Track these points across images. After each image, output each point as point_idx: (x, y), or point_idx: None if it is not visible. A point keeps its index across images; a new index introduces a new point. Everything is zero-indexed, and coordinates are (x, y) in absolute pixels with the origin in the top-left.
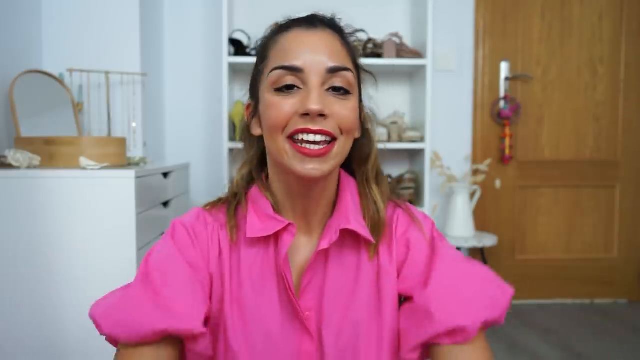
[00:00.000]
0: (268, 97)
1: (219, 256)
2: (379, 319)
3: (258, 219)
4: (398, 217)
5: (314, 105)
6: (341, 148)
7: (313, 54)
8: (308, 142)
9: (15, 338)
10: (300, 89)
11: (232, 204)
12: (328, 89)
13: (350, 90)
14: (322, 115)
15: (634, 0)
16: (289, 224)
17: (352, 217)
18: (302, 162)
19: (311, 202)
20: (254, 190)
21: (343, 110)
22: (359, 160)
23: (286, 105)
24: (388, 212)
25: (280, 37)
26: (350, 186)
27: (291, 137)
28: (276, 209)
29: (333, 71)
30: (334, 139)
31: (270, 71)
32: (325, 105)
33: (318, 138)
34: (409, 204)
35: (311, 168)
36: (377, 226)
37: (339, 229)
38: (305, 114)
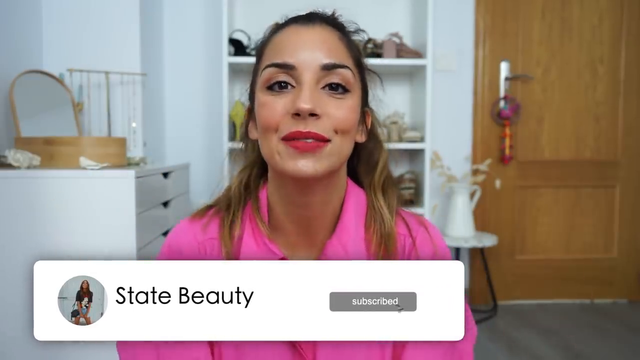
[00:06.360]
0: (260, 96)
1: None
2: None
3: (254, 242)
4: (423, 240)
5: (304, 104)
6: (337, 147)
7: (307, 50)
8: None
9: (14, 338)
10: (294, 87)
11: (226, 221)
12: (324, 87)
13: (349, 88)
14: (313, 114)
15: (634, 1)
16: (282, 258)
17: (350, 243)
18: (294, 159)
19: (312, 213)
20: (249, 208)
21: (338, 110)
22: (366, 167)
23: (278, 105)
24: (413, 225)
25: (276, 35)
26: (358, 199)
27: (284, 139)
28: (271, 229)
29: (328, 68)
30: (326, 141)
31: (263, 69)
32: (317, 104)
33: (308, 140)
34: (435, 228)
35: (302, 164)
36: (386, 241)
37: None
38: (297, 114)
